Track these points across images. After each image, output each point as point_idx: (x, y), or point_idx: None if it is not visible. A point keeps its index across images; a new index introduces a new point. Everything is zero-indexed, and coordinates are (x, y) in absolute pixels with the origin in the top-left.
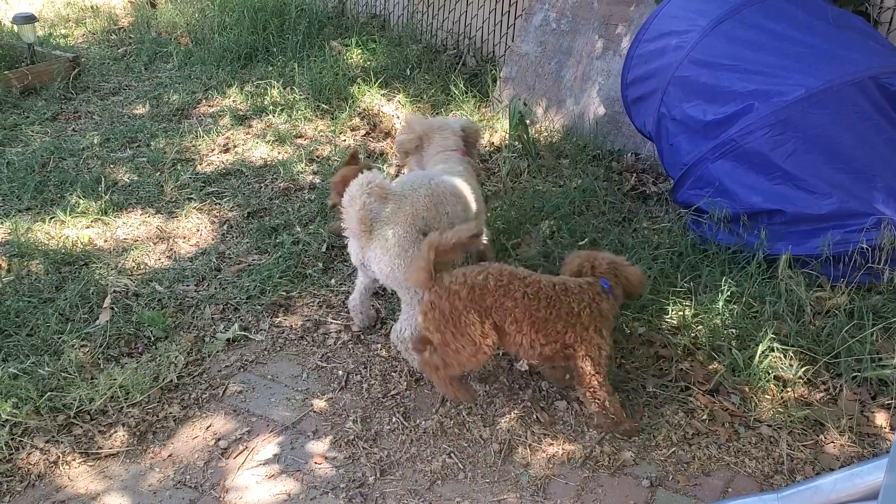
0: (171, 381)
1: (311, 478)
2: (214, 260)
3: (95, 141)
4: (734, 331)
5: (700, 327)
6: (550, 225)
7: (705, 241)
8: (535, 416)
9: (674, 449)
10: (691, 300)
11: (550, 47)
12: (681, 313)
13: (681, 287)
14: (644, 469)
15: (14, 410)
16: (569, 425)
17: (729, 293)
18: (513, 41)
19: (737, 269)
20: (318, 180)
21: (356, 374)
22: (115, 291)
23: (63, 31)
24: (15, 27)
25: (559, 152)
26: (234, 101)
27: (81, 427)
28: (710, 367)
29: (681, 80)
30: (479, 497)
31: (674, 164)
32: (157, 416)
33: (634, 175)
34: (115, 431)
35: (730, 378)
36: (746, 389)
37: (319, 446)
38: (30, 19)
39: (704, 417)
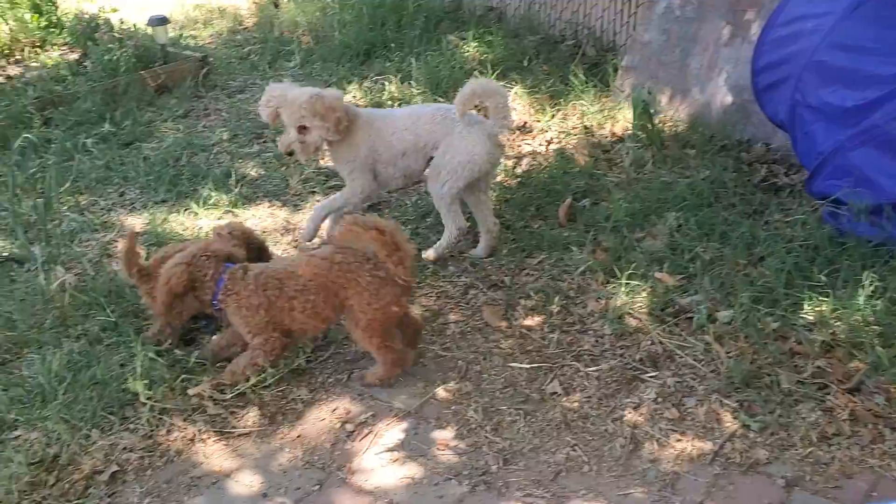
0: (300, 365)
1: (434, 464)
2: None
3: (224, 137)
4: (877, 328)
5: (839, 323)
6: (677, 217)
7: (843, 234)
8: (662, 412)
9: (811, 449)
10: (829, 295)
11: (675, 35)
12: (817, 308)
13: (817, 282)
14: (779, 468)
15: (148, 392)
16: (698, 421)
17: (872, 288)
18: (634, 30)
19: (880, 263)
20: None
21: (476, 365)
22: None
23: (192, 32)
24: (149, 29)
25: (685, 142)
26: (353, 97)
27: (215, 407)
28: (851, 364)
29: (817, 65)
30: (605, 490)
31: (809, 153)
32: (287, 399)
33: (765, 166)
34: (247, 412)
35: (872, 377)
36: (892, 390)
37: (442, 434)
38: (163, 21)
39: (845, 417)
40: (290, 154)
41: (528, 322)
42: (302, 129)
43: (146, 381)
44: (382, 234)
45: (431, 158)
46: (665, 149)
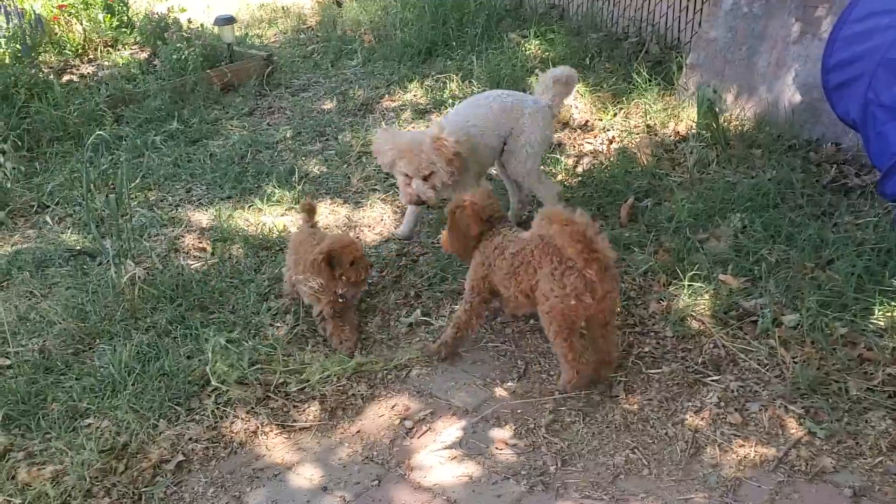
0: (359, 362)
1: (492, 462)
2: (396, 247)
3: (288, 135)
4: None
5: None
6: (742, 218)
7: None
8: (724, 417)
9: (881, 458)
10: None
11: (742, 32)
12: (889, 314)
13: (889, 286)
14: (846, 477)
15: (224, 379)
16: (762, 427)
17: None
18: (700, 27)
19: None
20: (494, 171)
21: (535, 364)
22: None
23: (257, 32)
24: (216, 28)
25: (751, 142)
26: (414, 96)
27: (278, 400)
28: None
29: (893, 63)
30: (665, 494)
31: (882, 153)
32: (347, 394)
33: (835, 166)
34: (308, 406)
35: None
36: None
37: (500, 433)
38: (229, 21)
39: None
40: (420, 203)
41: None
42: (428, 176)
43: (220, 368)
44: (568, 227)
45: (505, 144)
46: (730, 148)
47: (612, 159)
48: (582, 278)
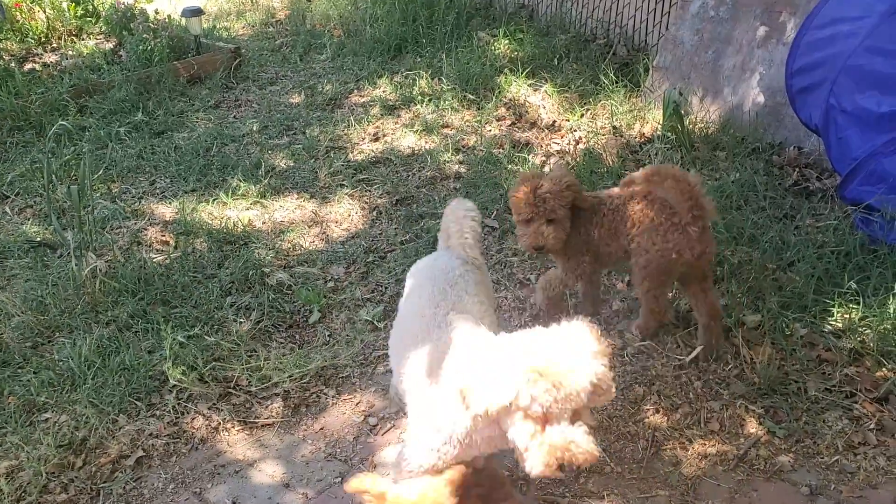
0: (324, 359)
1: None
2: (364, 244)
3: (254, 128)
4: None
5: (868, 331)
6: None
7: (875, 241)
8: (686, 416)
9: (837, 457)
10: (859, 303)
11: (708, 35)
12: (846, 316)
13: (847, 288)
14: (803, 476)
15: (181, 377)
16: (723, 426)
17: None
18: (667, 29)
19: None
20: (463, 170)
21: None
22: (270, 272)
23: (225, 24)
24: (183, 20)
25: (715, 144)
26: (384, 92)
27: (240, 396)
28: (879, 373)
29: (854, 70)
30: (626, 492)
31: (842, 158)
32: (311, 391)
33: (797, 170)
34: (271, 403)
35: None
36: None
37: None
38: (197, 13)
39: (872, 427)
40: None
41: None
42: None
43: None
44: (681, 184)
45: None
46: (695, 150)
47: (578, 160)
48: (685, 234)
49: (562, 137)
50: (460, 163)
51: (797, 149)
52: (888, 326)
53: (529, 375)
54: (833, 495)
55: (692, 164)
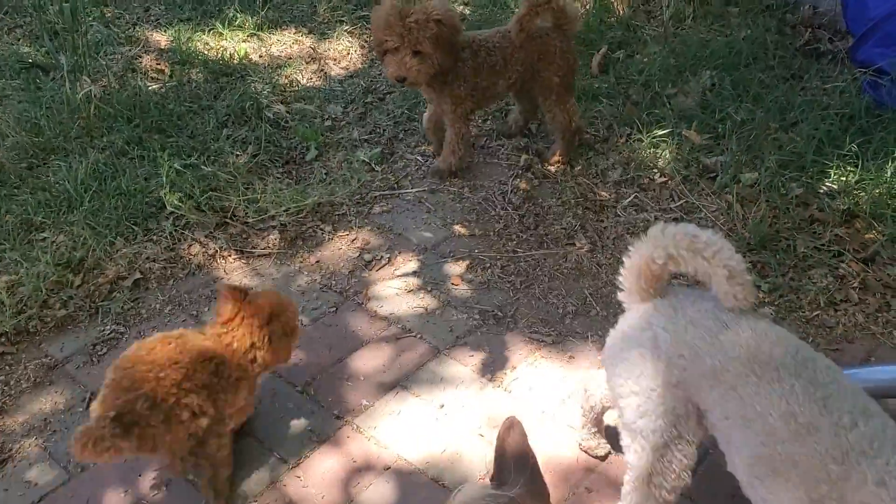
0: (321, 195)
1: (447, 297)
2: (363, 84)
3: None
4: None
5: (862, 194)
6: (712, 76)
7: (881, 106)
8: None
9: (818, 312)
10: (857, 165)
11: None
12: (843, 178)
13: (847, 151)
14: (784, 328)
15: (179, 204)
16: None
17: None
18: None
19: None
20: (468, 11)
21: (493, 207)
22: (268, 105)
23: None
24: None
25: None
26: None
27: (236, 227)
28: (868, 235)
29: None
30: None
31: (859, 18)
32: (307, 226)
33: (810, 30)
34: (268, 234)
35: (888, 249)
36: None
37: (457, 269)
38: None
39: (855, 285)
40: None
41: (551, 168)
42: None
43: (174, 193)
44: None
45: None
46: (707, 5)
47: (588, 7)
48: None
49: None
50: (465, 3)
51: (812, 8)
52: (883, 190)
53: None
54: (811, 347)
55: (704, 18)
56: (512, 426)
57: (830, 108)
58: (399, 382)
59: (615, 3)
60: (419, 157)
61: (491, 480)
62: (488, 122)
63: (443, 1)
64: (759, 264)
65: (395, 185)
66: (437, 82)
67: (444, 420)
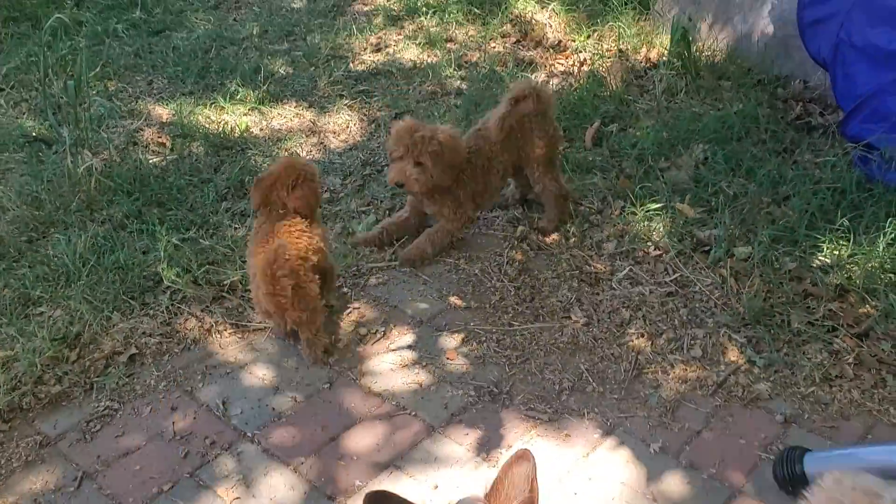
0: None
1: (442, 372)
2: (362, 156)
3: (255, 32)
4: (893, 276)
5: (855, 268)
6: (704, 150)
7: (872, 180)
8: (670, 341)
9: (813, 388)
10: (849, 240)
11: None
12: (836, 252)
13: (839, 225)
14: (779, 405)
15: (176, 279)
16: (705, 353)
17: (893, 236)
18: None
19: None
20: (465, 86)
21: (490, 279)
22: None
23: None
24: None
25: (721, 74)
26: (388, 1)
27: (233, 301)
28: (862, 310)
29: (867, 4)
30: (606, 411)
31: (847, 94)
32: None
33: (801, 104)
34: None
35: (882, 324)
36: None
37: (452, 343)
38: None
39: (850, 361)
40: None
41: (546, 240)
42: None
43: (171, 267)
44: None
45: None
46: (700, 78)
47: (581, 82)
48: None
49: (566, 58)
50: (462, 79)
51: (803, 83)
52: (875, 264)
53: None
54: (806, 424)
55: (696, 92)
56: (523, 458)
57: (822, 182)
58: (393, 462)
59: (608, 78)
60: None
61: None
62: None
63: (454, 129)
64: (753, 339)
65: (392, 257)
66: (437, 193)
67: (438, 501)
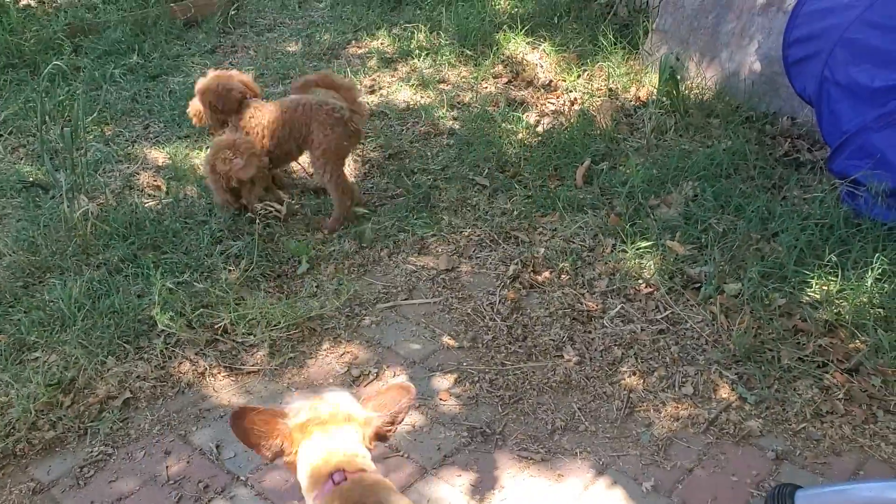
0: (311, 310)
1: (435, 413)
2: None
3: (250, 76)
4: (881, 311)
5: (844, 304)
6: (694, 187)
7: (859, 216)
8: (661, 379)
9: (804, 425)
10: (837, 275)
11: (710, 0)
12: (825, 288)
13: (828, 261)
14: (770, 441)
15: (170, 322)
16: (696, 390)
17: (880, 271)
18: None
19: (892, 246)
20: (457, 126)
21: (482, 318)
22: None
23: None
24: None
25: (709, 111)
26: (381, 44)
27: (227, 343)
28: (852, 345)
29: (850, 42)
30: (599, 450)
31: (833, 131)
32: (295, 341)
33: (789, 140)
34: (257, 351)
35: (872, 359)
36: (889, 372)
37: (444, 383)
38: None
39: (840, 396)
40: None
41: (538, 278)
42: None
43: (166, 311)
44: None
45: None
46: (688, 116)
47: (572, 121)
48: (347, 126)
49: (557, 98)
50: (455, 119)
51: (790, 119)
52: (864, 300)
53: None
54: (798, 460)
55: (685, 130)
56: (405, 389)
57: (810, 218)
58: None
59: (598, 117)
60: (410, 267)
61: None
62: (477, 231)
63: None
64: (744, 376)
65: (386, 296)
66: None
67: None
